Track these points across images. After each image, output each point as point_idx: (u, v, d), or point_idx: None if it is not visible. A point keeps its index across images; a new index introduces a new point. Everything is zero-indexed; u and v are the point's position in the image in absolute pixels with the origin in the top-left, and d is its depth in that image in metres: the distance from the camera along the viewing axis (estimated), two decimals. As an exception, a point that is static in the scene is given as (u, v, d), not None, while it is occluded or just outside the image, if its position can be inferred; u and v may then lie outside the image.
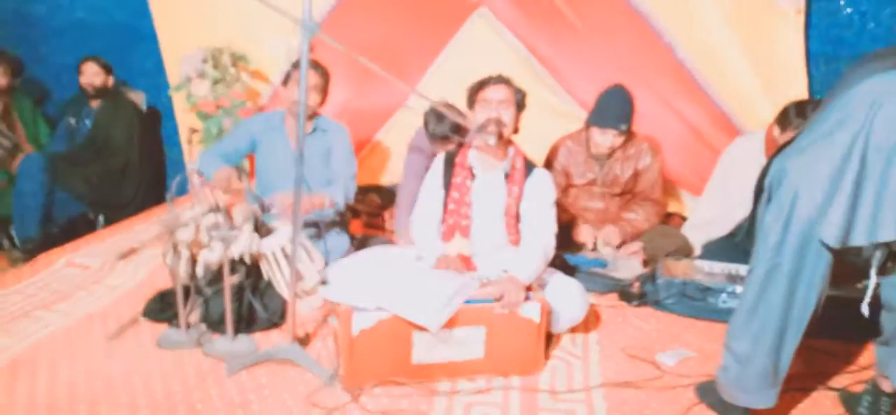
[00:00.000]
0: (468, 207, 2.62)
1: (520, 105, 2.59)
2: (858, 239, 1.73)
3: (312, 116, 3.19)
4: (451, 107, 3.13)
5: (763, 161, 3.20)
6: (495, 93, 2.53)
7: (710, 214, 3.45)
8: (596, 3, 3.90)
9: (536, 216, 2.58)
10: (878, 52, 1.86)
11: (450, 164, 2.69)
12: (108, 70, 4.23)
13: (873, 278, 1.83)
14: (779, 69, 3.71)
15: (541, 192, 2.60)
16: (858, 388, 2.23)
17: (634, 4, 3.81)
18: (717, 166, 3.49)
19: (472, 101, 2.62)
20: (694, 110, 3.92)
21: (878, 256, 1.80)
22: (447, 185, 2.67)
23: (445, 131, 3.15)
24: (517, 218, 2.61)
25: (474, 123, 2.57)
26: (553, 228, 2.59)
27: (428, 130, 3.22)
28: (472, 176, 2.64)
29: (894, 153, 1.67)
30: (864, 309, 1.86)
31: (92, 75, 4.16)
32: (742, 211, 3.31)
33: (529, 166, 2.64)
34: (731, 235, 3.32)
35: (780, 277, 1.85)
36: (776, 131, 3.14)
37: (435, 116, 3.16)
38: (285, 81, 3.15)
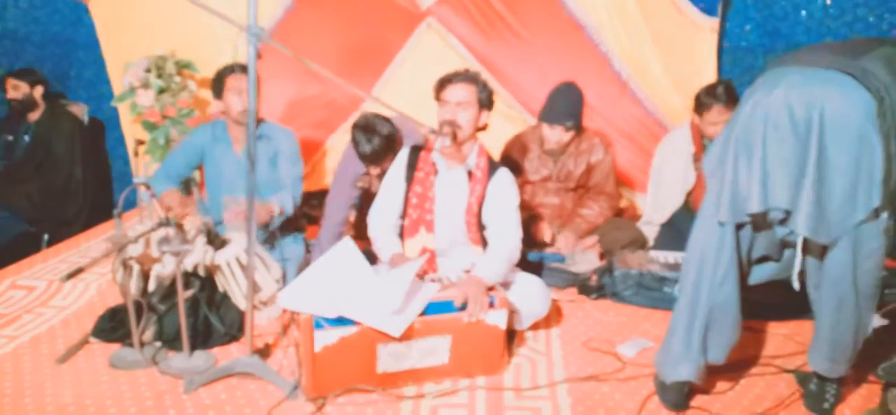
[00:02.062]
0: (431, 202, 2.61)
1: (484, 103, 2.56)
2: (753, 207, 1.86)
3: (257, 123, 3.12)
4: (381, 118, 2.99)
5: (690, 149, 3.38)
6: (454, 94, 2.51)
7: (651, 208, 3.62)
8: (539, 14, 4.04)
9: (500, 220, 2.57)
10: (787, 55, 2.02)
11: (413, 158, 2.67)
12: (32, 82, 4.06)
13: (798, 254, 1.92)
14: (696, 80, 3.88)
15: (504, 194, 2.60)
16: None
17: (575, 16, 3.99)
18: (653, 163, 3.66)
19: (437, 97, 2.59)
20: (634, 110, 4.10)
21: (782, 233, 1.93)
22: (409, 179, 2.65)
23: (377, 147, 2.93)
24: (478, 216, 2.61)
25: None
26: (518, 232, 2.58)
27: (358, 150, 2.98)
28: (436, 171, 2.63)
29: (765, 132, 1.83)
30: (794, 282, 1.97)
31: (11, 89, 4.02)
32: (674, 201, 3.44)
33: (493, 166, 2.64)
34: (670, 223, 3.46)
35: (693, 253, 2.03)
36: (696, 118, 3.37)
37: (363, 132, 2.94)
38: (220, 93, 3.07)
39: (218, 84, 3.07)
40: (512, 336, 2.53)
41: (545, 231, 3.47)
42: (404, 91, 4.01)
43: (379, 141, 2.93)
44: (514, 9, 4.06)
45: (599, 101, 3.99)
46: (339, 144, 4.38)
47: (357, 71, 4.14)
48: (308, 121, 4.26)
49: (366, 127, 2.94)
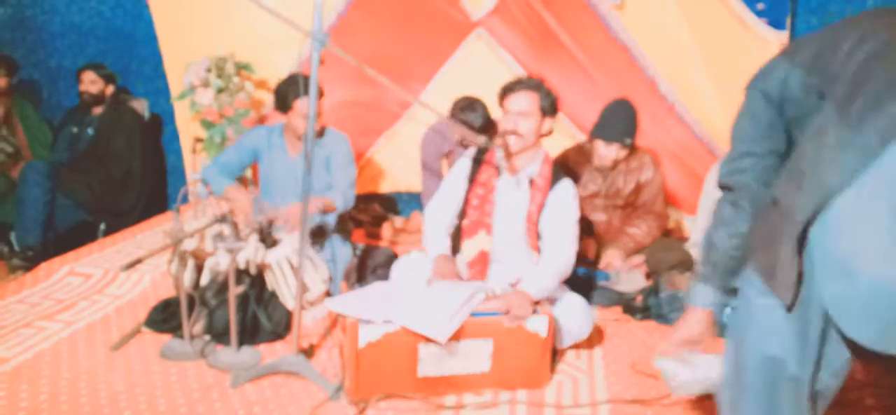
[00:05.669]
0: (492, 206, 2.62)
1: (547, 110, 2.56)
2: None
3: (320, 133, 3.17)
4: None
5: None
6: (515, 103, 2.53)
7: (699, 233, 3.50)
8: (587, 30, 3.95)
9: (557, 232, 2.56)
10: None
11: (477, 161, 2.69)
12: (108, 79, 4.19)
13: None
14: None
15: (564, 206, 2.58)
16: None
17: (619, 37, 3.87)
18: (704, 188, 3.55)
19: (500, 105, 2.61)
20: (681, 132, 3.99)
21: None
22: (472, 180, 2.66)
23: (481, 123, 3.32)
24: (538, 224, 2.60)
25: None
26: (573, 246, 2.56)
27: (464, 118, 3.37)
28: (499, 175, 2.64)
29: None
30: None
31: (89, 83, 4.13)
32: None
33: (557, 175, 2.62)
34: None
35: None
36: None
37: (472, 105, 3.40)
38: (285, 109, 3.08)
39: (282, 100, 3.08)
40: (553, 353, 2.52)
41: (591, 247, 3.44)
42: (452, 100, 4.03)
43: (480, 117, 3.37)
44: (564, 24, 4.01)
45: (648, 120, 3.84)
46: (384, 150, 4.43)
47: (405, 78, 4.16)
48: (354, 126, 4.31)
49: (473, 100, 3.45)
